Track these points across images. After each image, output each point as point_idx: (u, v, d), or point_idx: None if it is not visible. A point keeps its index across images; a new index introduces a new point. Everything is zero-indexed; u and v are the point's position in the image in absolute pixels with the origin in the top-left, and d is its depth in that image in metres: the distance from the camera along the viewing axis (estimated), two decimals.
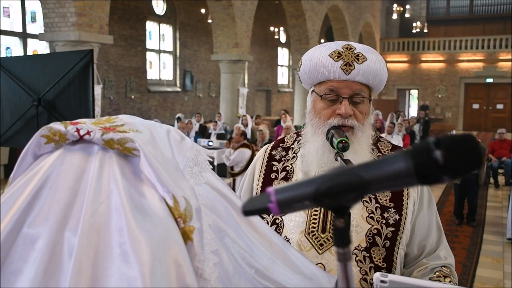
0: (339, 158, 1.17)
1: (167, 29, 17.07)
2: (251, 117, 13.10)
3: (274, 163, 1.54)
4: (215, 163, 8.53)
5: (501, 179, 10.79)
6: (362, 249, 1.35)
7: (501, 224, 7.51)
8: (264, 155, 1.58)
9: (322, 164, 1.40)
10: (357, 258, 1.35)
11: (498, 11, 25.78)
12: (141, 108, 15.48)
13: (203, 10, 16.91)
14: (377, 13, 25.70)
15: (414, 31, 25.71)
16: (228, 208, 0.89)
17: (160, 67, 16.86)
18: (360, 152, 1.38)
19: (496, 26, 25.29)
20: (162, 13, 16.67)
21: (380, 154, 1.49)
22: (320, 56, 1.39)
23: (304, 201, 0.64)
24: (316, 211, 1.41)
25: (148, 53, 16.03)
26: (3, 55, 11.18)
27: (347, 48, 1.39)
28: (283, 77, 24.85)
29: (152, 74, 16.42)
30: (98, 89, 8.94)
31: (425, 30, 26.14)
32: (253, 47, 18.34)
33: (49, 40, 8.68)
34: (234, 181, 7.60)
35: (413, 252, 1.44)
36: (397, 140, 10.13)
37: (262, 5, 16.40)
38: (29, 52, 11.92)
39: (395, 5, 25.15)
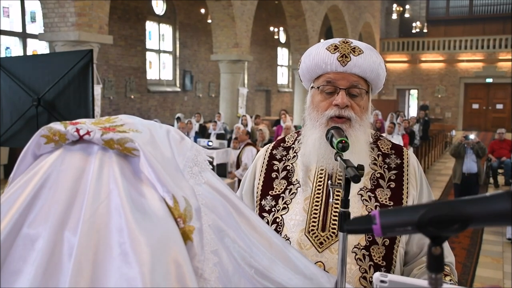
0: (338, 158, 1.17)
1: (166, 29, 17.06)
2: (251, 117, 13.09)
3: (275, 162, 1.55)
4: (215, 163, 8.52)
5: (501, 179, 10.79)
6: (361, 247, 1.35)
7: None
8: (265, 155, 1.59)
9: (319, 156, 1.41)
10: (356, 257, 1.35)
11: (498, 11, 25.78)
12: (140, 108, 15.48)
13: (203, 10, 16.91)
14: (376, 13, 25.69)
15: (413, 31, 25.71)
16: (228, 208, 0.89)
17: (159, 67, 16.86)
18: (357, 145, 1.39)
19: (495, 26, 25.29)
20: (162, 13, 16.66)
21: (380, 153, 1.50)
22: (317, 51, 1.42)
23: (407, 227, 0.67)
24: (316, 209, 1.41)
25: (147, 53, 16.02)
26: (3, 55, 11.17)
27: (344, 42, 1.42)
28: (282, 77, 24.84)
29: (151, 74, 16.41)
30: (97, 89, 8.93)
31: (425, 30, 26.14)
32: (253, 47, 18.34)
33: (49, 40, 8.67)
34: (240, 180, 7.60)
35: (413, 249, 1.44)
36: (397, 140, 10.11)
37: (262, 5, 16.40)
38: (29, 52, 11.92)
39: (394, 5, 25.15)
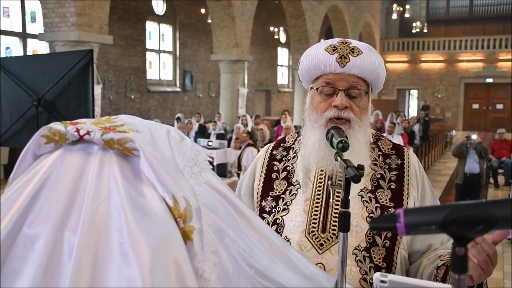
0: (338, 158, 1.17)
1: (167, 29, 17.06)
2: (251, 117, 13.09)
3: (275, 163, 1.55)
4: (215, 163, 8.52)
5: (501, 179, 10.79)
6: (362, 249, 1.35)
7: None
8: (265, 155, 1.58)
9: (319, 157, 1.40)
10: (357, 258, 1.34)
11: (498, 11, 25.77)
12: (141, 108, 15.48)
13: (203, 10, 16.90)
14: (377, 13, 25.69)
15: (414, 31, 25.70)
16: (228, 208, 0.89)
17: (160, 67, 16.86)
18: (357, 146, 1.38)
19: (496, 26, 25.28)
20: (162, 13, 16.66)
21: (381, 153, 1.49)
22: (316, 52, 1.41)
23: (431, 226, 0.67)
24: (317, 211, 1.41)
25: (148, 53, 16.02)
26: (3, 55, 11.17)
27: (342, 42, 1.41)
28: (283, 77, 24.84)
29: (152, 74, 16.41)
30: (98, 89, 8.94)
31: (425, 30, 26.14)
32: (253, 47, 18.34)
33: (49, 40, 8.67)
34: None
35: (418, 251, 1.44)
36: (397, 140, 10.12)
37: (262, 5, 16.39)
38: (29, 52, 11.92)
39: (395, 5, 25.15)
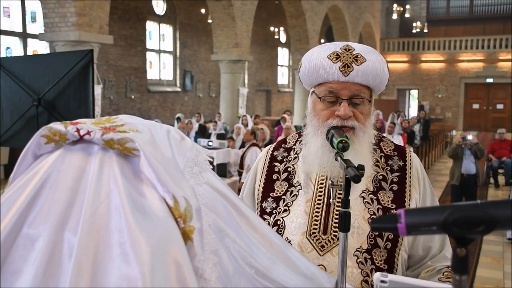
0: (339, 158, 1.17)
1: (167, 29, 17.06)
2: (251, 117, 13.09)
3: (276, 164, 1.54)
4: (215, 163, 8.52)
5: (501, 179, 10.79)
6: (363, 250, 1.35)
7: None
8: (266, 156, 1.57)
9: (322, 164, 1.39)
10: (358, 260, 1.34)
11: (498, 11, 25.77)
12: (141, 108, 15.48)
13: (203, 10, 16.91)
14: (377, 13, 25.68)
15: (414, 31, 25.70)
16: (228, 208, 0.89)
17: (160, 67, 16.86)
18: (361, 152, 1.38)
19: (496, 26, 25.28)
20: (162, 13, 16.66)
21: (383, 154, 1.49)
22: (319, 58, 1.39)
23: (432, 227, 0.68)
24: (318, 212, 1.40)
25: (148, 53, 16.02)
26: (3, 55, 11.18)
27: (345, 49, 1.38)
28: (283, 77, 24.84)
29: (152, 74, 16.41)
30: (98, 89, 8.94)
31: (425, 30, 26.13)
32: (253, 47, 18.34)
33: (49, 40, 8.67)
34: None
35: (418, 254, 1.43)
36: (397, 140, 10.12)
37: (262, 5, 16.40)
38: (29, 52, 11.92)
39: (395, 5, 25.14)
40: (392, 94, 25.15)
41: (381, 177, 1.44)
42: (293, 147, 1.56)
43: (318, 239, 1.37)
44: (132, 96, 15.08)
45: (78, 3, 8.26)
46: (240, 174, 7.88)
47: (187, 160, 0.89)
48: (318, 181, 1.44)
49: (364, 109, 1.39)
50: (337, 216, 1.37)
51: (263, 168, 1.55)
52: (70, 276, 0.67)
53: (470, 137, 7.68)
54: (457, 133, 18.58)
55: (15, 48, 11.81)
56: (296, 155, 1.53)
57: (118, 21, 14.23)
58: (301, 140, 1.53)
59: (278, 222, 1.43)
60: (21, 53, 11.62)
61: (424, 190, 1.46)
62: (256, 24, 15.40)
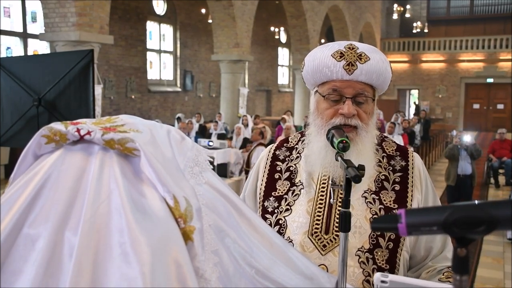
0: (339, 158, 1.17)
1: (167, 29, 17.06)
2: (251, 117, 13.09)
3: (278, 163, 1.54)
4: (216, 163, 8.51)
5: (501, 179, 10.78)
6: (365, 250, 1.35)
7: None
8: (268, 155, 1.58)
9: (325, 164, 1.39)
10: (360, 260, 1.34)
11: (498, 11, 25.75)
12: (141, 108, 15.48)
13: (203, 10, 16.90)
14: (377, 13, 25.68)
15: (414, 31, 25.69)
16: (228, 208, 0.89)
17: (160, 67, 16.86)
18: (364, 152, 1.38)
19: (496, 26, 25.27)
20: (163, 13, 16.66)
21: (385, 154, 1.49)
22: (322, 57, 1.39)
23: (432, 227, 0.68)
24: (320, 212, 1.40)
25: (148, 53, 16.02)
26: (3, 55, 11.18)
27: (349, 48, 1.38)
28: (283, 77, 24.83)
29: (152, 74, 16.41)
30: (98, 89, 8.94)
31: (426, 30, 26.12)
32: (254, 47, 18.33)
33: (50, 40, 8.68)
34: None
35: (420, 254, 1.43)
36: (398, 140, 10.12)
37: (263, 5, 16.39)
38: (30, 52, 11.92)
39: (395, 5, 25.14)
40: (393, 94, 25.14)
41: (383, 177, 1.44)
42: (296, 146, 1.56)
43: (320, 238, 1.37)
44: (133, 96, 15.09)
45: (78, 3, 8.27)
46: (247, 173, 7.89)
47: (187, 160, 0.89)
48: (320, 181, 1.44)
49: (367, 108, 1.39)
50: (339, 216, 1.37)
51: (265, 167, 1.55)
52: (71, 276, 0.67)
53: (466, 138, 7.68)
54: (457, 133, 18.59)
55: (15, 48, 11.82)
56: (298, 155, 1.53)
57: (118, 21, 14.23)
58: (303, 140, 1.53)
59: (280, 221, 1.43)
60: (22, 53, 11.63)
61: (426, 190, 1.46)
62: (256, 24, 15.40)
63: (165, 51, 17.02)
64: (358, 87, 1.37)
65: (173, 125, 8.67)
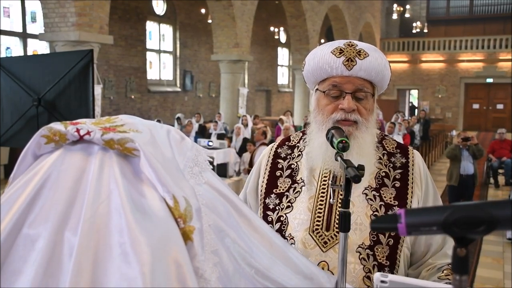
0: (339, 158, 1.17)
1: (167, 29, 17.06)
2: (251, 117, 13.10)
3: (280, 160, 1.56)
4: (215, 163, 8.52)
5: (501, 179, 10.79)
6: (365, 247, 1.35)
7: None
8: (270, 153, 1.60)
9: (326, 159, 1.41)
10: (360, 256, 1.35)
11: (498, 11, 25.76)
12: (141, 108, 15.48)
13: (203, 10, 16.90)
14: (377, 13, 25.68)
15: (414, 31, 25.69)
16: (228, 208, 0.89)
17: (160, 67, 16.86)
18: (365, 147, 1.39)
19: (496, 26, 25.27)
20: (162, 13, 16.66)
21: (385, 152, 1.50)
22: (322, 54, 1.41)
23: (432, 227, 0.68)
24: (321, 209, 1.41)
25: (148, 53, 16.02)
26: (3, 55, 11.18)
27: (349, 44, 1.42)
28: (283, 77, 24.84)
29: (152, 74, 16.41)
30: (98, 89, 8.94)
31: (425, 30, 26.12)
32: (253, 47, 18.33)
33: (49, 40, 8.67)
34: None
35: (420, 249, 1.44)
36: (398, 139, 10.09)
37: (262, 5, 16.39)
38: (29, 52, 11.92)
39: (395, 5, 25.14)
40: (392, 94, 25.14)
41: (383, 174, 1.45)
42: (297, 144, 1.58)
43: (321, 235, 1.38)
44: (132, 96, 15.08)
45: (78, 3, 8.26)
46: (248, 172, 7.91)
47: (187, 160, 0.89)
48: (321, 178, 1.46)
49: (367, 104, 1.41)
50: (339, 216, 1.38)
51: (267, 165, 1.57)
52: (70, 276, 0.67)
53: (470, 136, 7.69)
54: (457, 133, 18.60)
55: (15, 48, 11.81)
56: (299, 153, 1.55)
57: (118, 21, 14.23)
58: (305, 138, 1.55)
59: (281, 219, 1.45)
60: (21, 53, 11.62)
61: (426, 187, 1.47)
62: (256, 24, 15.40)
63: (164, 51, 17.02)
64: (358, 82, 1.39)
65: (173, 125, 8.66)
